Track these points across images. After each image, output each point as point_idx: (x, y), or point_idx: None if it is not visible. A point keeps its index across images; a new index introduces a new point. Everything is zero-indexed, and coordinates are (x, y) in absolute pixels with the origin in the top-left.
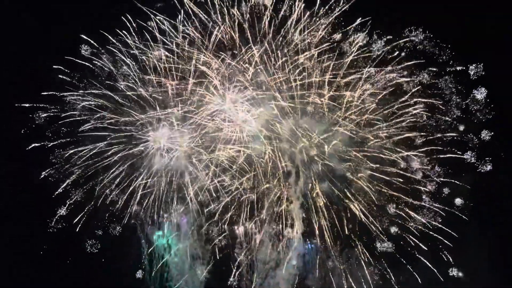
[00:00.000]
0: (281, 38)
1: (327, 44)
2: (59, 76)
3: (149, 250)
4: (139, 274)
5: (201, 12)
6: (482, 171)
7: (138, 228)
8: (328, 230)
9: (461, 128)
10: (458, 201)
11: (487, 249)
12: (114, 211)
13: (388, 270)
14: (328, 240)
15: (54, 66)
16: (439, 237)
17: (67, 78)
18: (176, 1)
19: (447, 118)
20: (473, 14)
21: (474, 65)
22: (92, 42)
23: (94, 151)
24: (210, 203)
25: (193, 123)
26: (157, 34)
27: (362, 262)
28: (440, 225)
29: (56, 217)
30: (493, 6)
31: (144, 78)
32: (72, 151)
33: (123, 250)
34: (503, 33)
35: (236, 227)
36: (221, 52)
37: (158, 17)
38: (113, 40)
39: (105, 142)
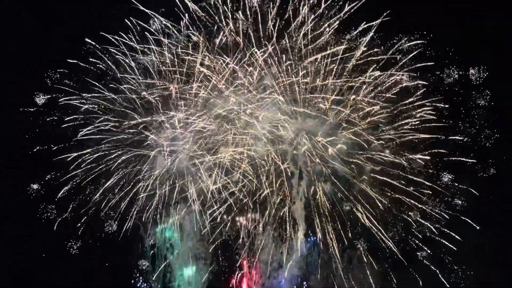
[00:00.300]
0: (285, 42)
1: (331, 49)
2: (60, 77)
3: (151, 252)
4: (141, 274)
5: (205, 16)
6: (485, 175)
7: (141, 228)
8: (331, 232)
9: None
10: (460, 203)
11: (488, 249)
12: (117, 213)
13: (390, 271)
14: (330, 242)
15: (58, 70)
16: (442, 240)
17: (69, 81)
18: (180, 5)
19: (450, 121)
20: (473, 14)
21: (476, 68)
22: (94, 44)
23: (96, 154)
24: (213, 205)
25: (197, 126)
26: (161, 37)
27: (364, 264)
28: (443, 228)
29: (59, 220)
30: (493, 6)
31: (148, 81)
32: (75, 154)
33: (126, 251)
34: (504, 33)
35: (239, 228)
36: (225, 56)
37: (161, 20)
38: (116, 43)
39: (108, 145)
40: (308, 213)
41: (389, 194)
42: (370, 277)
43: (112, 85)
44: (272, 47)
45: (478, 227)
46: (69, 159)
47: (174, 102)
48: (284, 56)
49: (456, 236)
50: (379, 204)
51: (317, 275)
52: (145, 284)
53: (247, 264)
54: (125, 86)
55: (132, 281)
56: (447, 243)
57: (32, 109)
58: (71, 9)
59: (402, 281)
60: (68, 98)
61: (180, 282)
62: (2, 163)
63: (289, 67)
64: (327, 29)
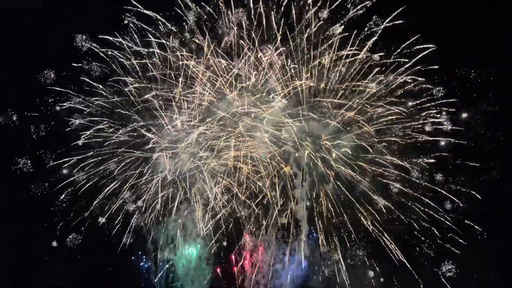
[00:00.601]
0: (289, 45)
1: (337, 53)
2: (62, 80)
3: (153, 254)
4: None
5: (209, 18)
6: (488, 178)
7: (144, 229)
8: (333, 232)
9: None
10: (462, 205)
11: (488, 250)
12: (120, 215)
13: (391, 272)
14: (332, 243)
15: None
16: (446, 245)
17: (71, 83)
18: (183, 7)
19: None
20: (475, 14)
21: (479, 70)
22: (97, 46)
23: (100, 158)
24: (216, 206)
25: (200, 128)
26: (164, 41)
27: (366, 265)
28: (445, 232)
29: (62, 224)
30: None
31: (151, 83)
32: (80, 157)
33: (128, 252)
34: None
35: (242, 228)
36: (229, 60)
37: (166, 23)
38: (121, 46)
39: (111, 148)
40: (310, 215)
41: (393, 197)
42: (372, 278)
43: (115, 89)
44: (277, 51)
45: (480, 230)
46: (71, 162)
47: (178, 104)
48: (288, 59)
49: (460, 240)
50: (382, 207)
51: (319, 276)
52: (149, 263)
53: (249, 264)
54: (128, 88)
55: (133, 257)
56: (449, 246)
57: (36, 114)
58: (71, 9)
59: (403, 281)
60: (71, 101)
61: (183, 282)
62: (3, 164)
63: (292, 70)
64: (332, 33)
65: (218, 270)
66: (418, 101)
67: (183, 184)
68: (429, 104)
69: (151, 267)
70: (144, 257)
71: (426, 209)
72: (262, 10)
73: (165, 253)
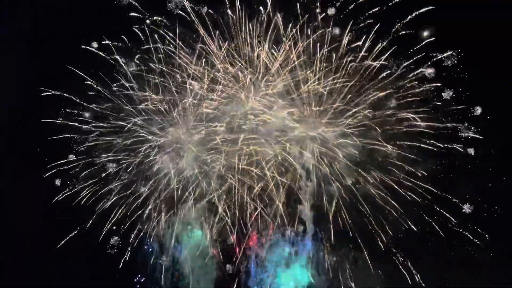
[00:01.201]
0: (299, 48)
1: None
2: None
3: (158, 254)
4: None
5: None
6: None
7: (149, 229)
8: (338, 233)
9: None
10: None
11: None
12: (125, 213)
13: (394, 272)
14: (337, 243)
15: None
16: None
17: (77, 87)
18: (193, 14)
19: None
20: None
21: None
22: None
23: (103, 160)
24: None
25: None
26: (170, 46)
27: (370, 265)
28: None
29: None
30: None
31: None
32: (84, 161)
33: (133, 250)
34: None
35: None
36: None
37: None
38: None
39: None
40: (315, 215)
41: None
42: (375, 279)
43: (119, 92)
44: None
45: (487, 236)
46: (78, 168)
47: (183, 107)
48: (296, 62)
49: (466, 247)
50: (386, 209)
51: (322, 276)
52: (155, 262)
53: (254, 264)
54: (136, 94)
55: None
56: (454, 252)
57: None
58: (77, 13)
59: (406, 282)
60: (75, 105)
61: (189, 281)
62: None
63: (300, 73)
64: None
65: (214, 252)
66: (426, 108)
67: (189, 187)
68: (437, 111)
69: (156, 266)
70: (149, 256)
71: (432, 215)
72: (271, 14)
73: (170, 252)
